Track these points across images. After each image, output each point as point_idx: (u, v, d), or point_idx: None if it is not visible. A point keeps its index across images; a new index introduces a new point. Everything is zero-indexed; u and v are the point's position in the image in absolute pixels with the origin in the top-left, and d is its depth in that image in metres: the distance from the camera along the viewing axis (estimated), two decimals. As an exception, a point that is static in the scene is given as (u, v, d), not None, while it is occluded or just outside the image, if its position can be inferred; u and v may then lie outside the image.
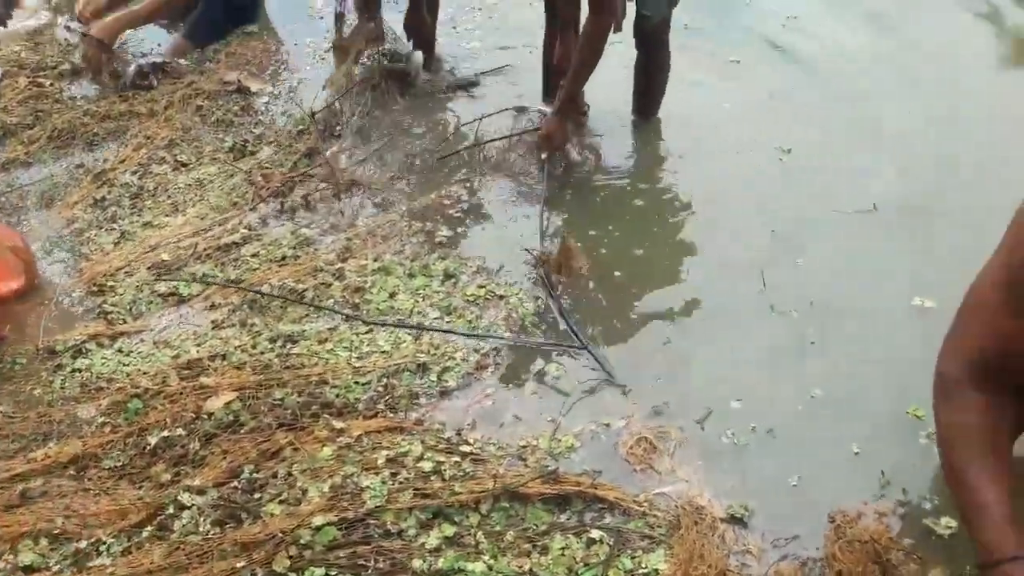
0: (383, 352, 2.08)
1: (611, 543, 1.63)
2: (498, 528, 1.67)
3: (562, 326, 2.19)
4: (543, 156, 2.70)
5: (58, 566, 1.62)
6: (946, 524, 1.64)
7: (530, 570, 1.59)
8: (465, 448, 1.83)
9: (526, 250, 2.42)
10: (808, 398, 1.95)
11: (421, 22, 3.31)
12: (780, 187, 2.70)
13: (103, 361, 2.13)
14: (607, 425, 1.91)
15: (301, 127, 3.02)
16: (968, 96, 3.13)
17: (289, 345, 2.11)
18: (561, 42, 2.85)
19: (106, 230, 2.63)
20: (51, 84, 3.40)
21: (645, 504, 1.71)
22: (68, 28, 3.72)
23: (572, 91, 2.62)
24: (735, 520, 1.68)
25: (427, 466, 1.76)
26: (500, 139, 2.87)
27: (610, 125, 3.01)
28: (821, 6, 3.82)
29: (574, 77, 2.57)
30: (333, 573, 1.56)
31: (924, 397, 1.84)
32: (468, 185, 2.78)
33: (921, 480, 1.74)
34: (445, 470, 1.76)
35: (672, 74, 2.97)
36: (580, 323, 2.20)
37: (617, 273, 2.38)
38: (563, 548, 1.62)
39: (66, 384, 2.08)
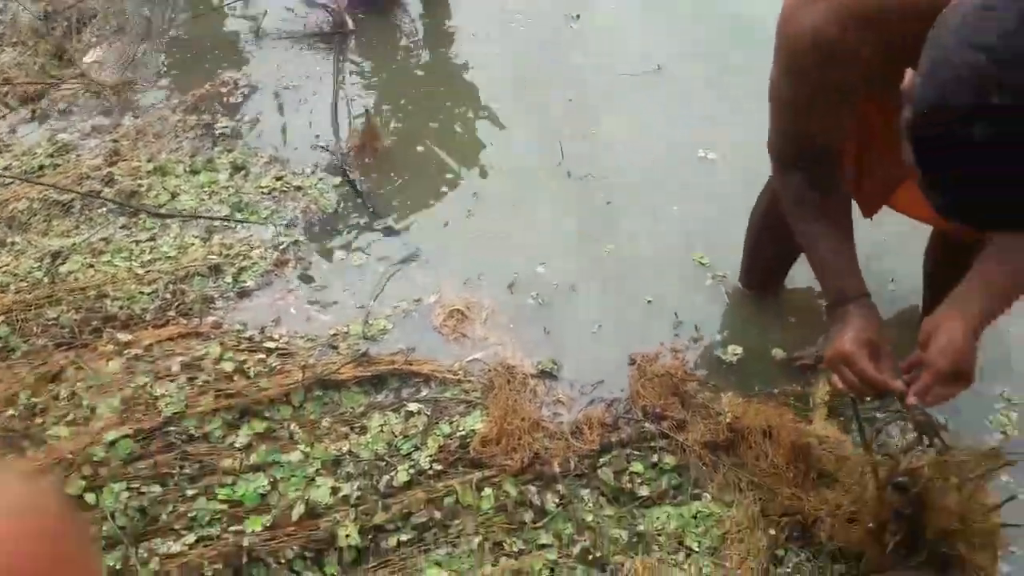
0: (169, 258, 1.94)
1: (429, 413, 1.64)
2: (313, 417, 1.63)
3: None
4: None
5: None
6: (733, 352, 1.78)
7: (349, 451, 1.57)
8: (270, 344, 1.76)
9: (319, 141, 2.31)
10: (604, 255, 2.02)
11: None
12: (572, 53, 2.69)
13: None
14: (418, 302, 1.89)
15: (45, 24, 2.68)
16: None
17: (59, 261, 1.90)
18: None
19: None
20: None
21: (460, 372, 1.72)
22: None
23: None
24: (545, 374, 1.74)
25: (228, 366, 1.68)
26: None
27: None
28: None
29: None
30: (135, 486, 1.47)
31: (709, 244, 1.99)
32: (245, 67, 2.59)
33: (710, 318, 1.87)
34: (249, 368, 1.68)
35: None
36: (384, 202, 2.15)
37: (419, 148, 2.33)
38: (381, 425, 1.61)
39: None
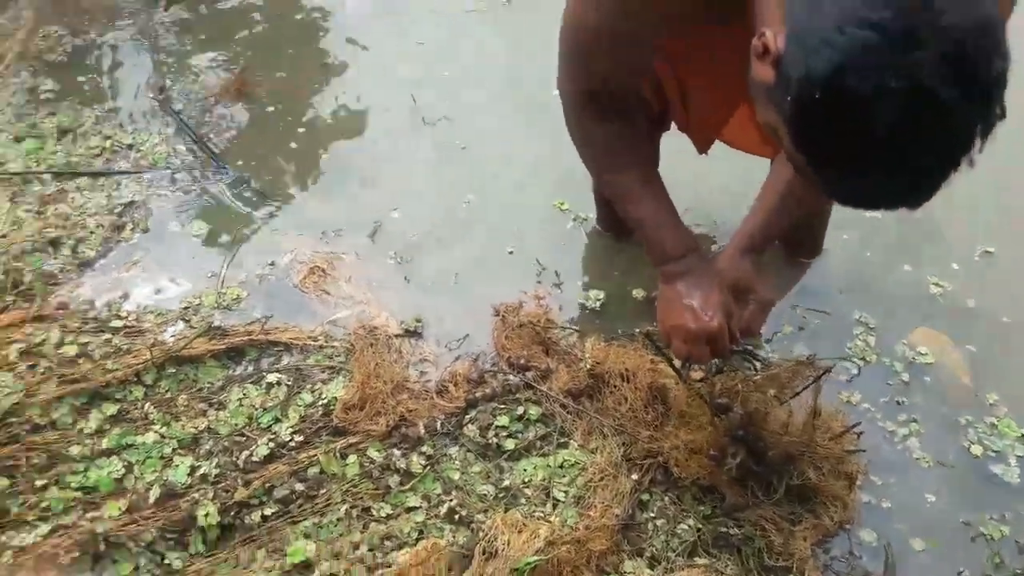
0: (1, 236, 1.80)
1: (289, 383, 1.61)
2: (168, 395, 1.57)
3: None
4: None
5: None
6: (595, 297, 1.81)
7: (208, 428, 1.53)
8: (117, 323, 1.67)
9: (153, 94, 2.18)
10: (464, 204, 2.00)
11: None
12: None
13: None
14: (273, 265, 1.83)
15: None
16: None
17: None
18: None
19: None
20: None
21: (321, 338, 1.69)
22: None
23: None
24: (410, 333, 1.72)
25: (71, 350, 1.59)
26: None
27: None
28: None
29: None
30: (-23, 483, 1.40)
31: (569, 190, 1.98)
32: (66, 19, 2.40)
33: (571, 263, 1.89)
34: (93, 351, 1.60)
35: None
36: (230, 157, 2.06)
37: (263, 97, 2.23)
38: (240, 399, 1.57)
39: None
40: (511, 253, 1.89)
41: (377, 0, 2.55)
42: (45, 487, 1.42)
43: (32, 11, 2.41)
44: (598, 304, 1.80)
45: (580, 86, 1.26)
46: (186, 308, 1.73)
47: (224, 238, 1.89)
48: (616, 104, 1.26)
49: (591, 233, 1.94)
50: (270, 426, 1.53)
